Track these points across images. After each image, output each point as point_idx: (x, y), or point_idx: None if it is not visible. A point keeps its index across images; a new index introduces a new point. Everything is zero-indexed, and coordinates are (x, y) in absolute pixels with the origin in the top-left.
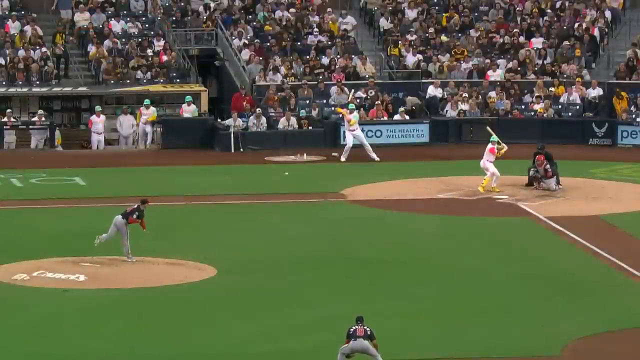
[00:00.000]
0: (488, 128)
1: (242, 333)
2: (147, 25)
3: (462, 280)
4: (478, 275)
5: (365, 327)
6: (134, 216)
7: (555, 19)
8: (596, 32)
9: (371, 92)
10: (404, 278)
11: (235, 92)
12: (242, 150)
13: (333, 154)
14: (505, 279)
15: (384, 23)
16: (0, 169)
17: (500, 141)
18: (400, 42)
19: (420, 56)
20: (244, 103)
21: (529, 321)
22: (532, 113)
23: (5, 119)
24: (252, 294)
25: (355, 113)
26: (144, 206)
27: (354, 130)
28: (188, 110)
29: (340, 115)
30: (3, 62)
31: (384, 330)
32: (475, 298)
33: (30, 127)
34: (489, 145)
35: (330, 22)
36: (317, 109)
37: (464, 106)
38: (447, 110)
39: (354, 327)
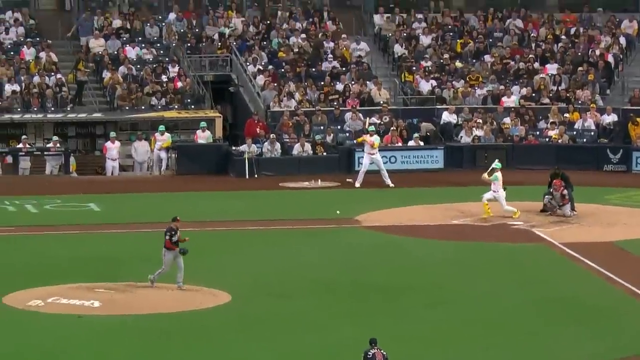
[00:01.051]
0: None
1: (256, 359)
2: (161, 52)
3: (475, 306)
4: (491, 301)
5: (383, 352)
6: (167, 237)
7: (570, 45)
8: (610, 58)
9: (385, 118)
10: (416, 303)
11: (249, 117)
12: (256, 176)
13: (347, 180)
14: (519, 305)
15: (398, 49)
16: (15, 194)
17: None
18: (414, 68)
19: (434, 82)
20: (257, 129)
21: (542, 347)
22: (547, 139)
23: (20, 145)
24: (266, 320)
25: (376, 136)
26: (174, 224)
27: (374, 154)
28: (202, 136)
29: (356, 142)
30: (18, 89)
31: (395, 355)
32: (488, 324)
33: (45, 153)
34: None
35: (344, 48)
36: (331, 134)
37: (479, 132)
38: (461, 136)
39: (371, 352)
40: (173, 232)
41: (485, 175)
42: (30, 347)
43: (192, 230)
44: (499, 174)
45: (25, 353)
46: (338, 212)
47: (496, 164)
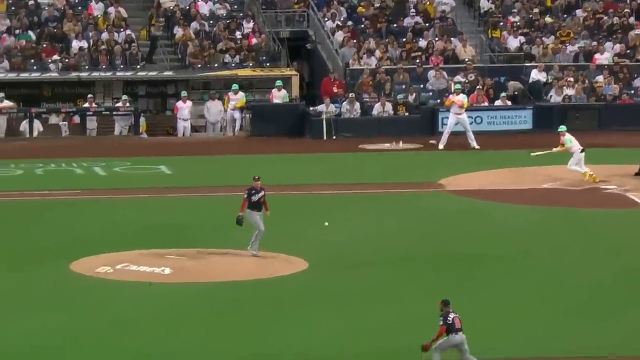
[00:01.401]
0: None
1: (330, 331)
2: (235, 7)
3: (563, 275)
4: (580, 269)
5: (457, 315)
6: (245, 196)
7: None
8: None
9: (471, 77)
10: (500, 273)
11: (325, 76)
12: (334, 137)
13: (431, 141)
14: (609, 274)
15: (485, 4)
16: (83, 157)
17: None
18: (501, 23)
19: (522, 38)
20: (334, 88)
21: (633, 320)
22: None
23: (86, 105)
24: (343, 290)
25: (463, 95)
26: (255, 183)
27: (461, 114)
28: (278, 96)
29: (439, 102)
30: (86, 45)
31: (476, 327)
32: (576, 294)
33: (114, 113)
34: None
35: (427, 2)
36: (414, 94)
37: (570, 91)
38: (551, 96)
39: (451, 315)
40: (253, 192)
41: (554, 149)
42: (98, 315)
43: (267, 194)
44: (568, 136)
45: (93, 321)
46: (326, 223)
47: (561, 127)
